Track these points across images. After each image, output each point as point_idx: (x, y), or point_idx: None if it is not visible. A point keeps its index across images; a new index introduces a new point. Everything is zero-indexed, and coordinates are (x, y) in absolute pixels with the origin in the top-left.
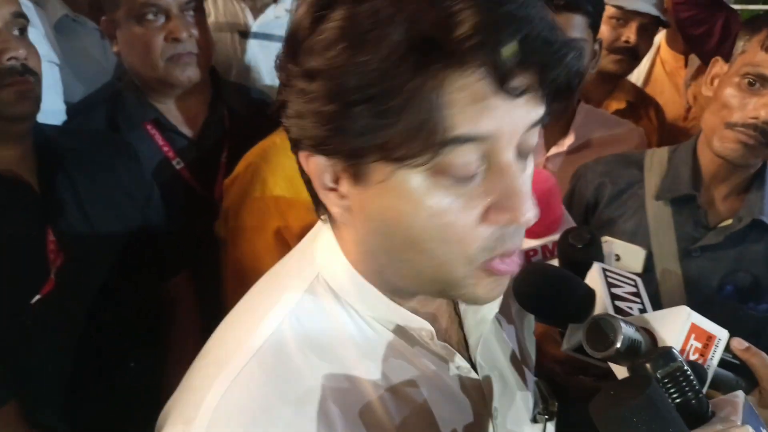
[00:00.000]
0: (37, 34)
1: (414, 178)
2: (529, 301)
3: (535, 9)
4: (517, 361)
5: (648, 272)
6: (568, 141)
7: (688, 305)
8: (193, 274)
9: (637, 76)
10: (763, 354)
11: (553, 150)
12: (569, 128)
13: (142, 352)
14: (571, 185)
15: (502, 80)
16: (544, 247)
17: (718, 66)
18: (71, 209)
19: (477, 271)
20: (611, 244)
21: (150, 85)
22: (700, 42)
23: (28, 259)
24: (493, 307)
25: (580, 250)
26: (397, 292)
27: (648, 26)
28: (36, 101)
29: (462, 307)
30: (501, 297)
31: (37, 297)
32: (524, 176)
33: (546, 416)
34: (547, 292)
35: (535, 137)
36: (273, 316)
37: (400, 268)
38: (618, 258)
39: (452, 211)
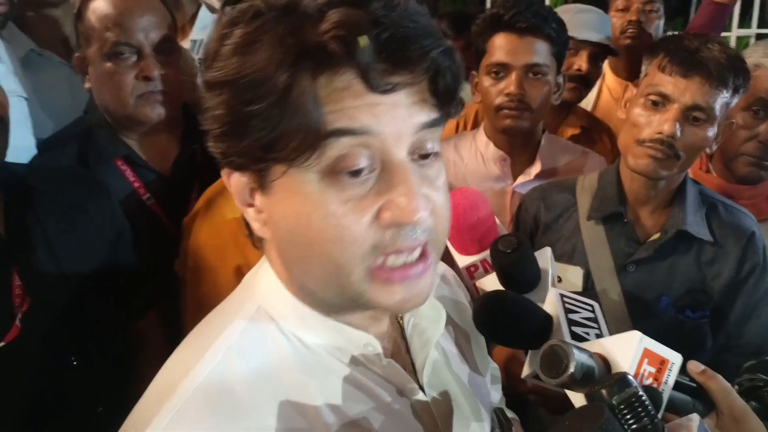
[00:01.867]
0: (5, 69)
1: (309, 180)
2: (488, 329)
3: (405, 12)
4: (469, 384)
5: (588, 290)
6: (535, 169)
7: (629, 319)
8: (162, 312)
9: (585, 104)
10: (719, 377)
11: (521, 179)
12: (535, 157)
13: (111, 395)
14: (515, 215)
15: (364, 75)
16: (483, 261)
17: (630, 91)
18: (39, 251)
19: (373, 275)
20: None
21: (120, 121)
22: None
23: None
24: (438, 328)
25: (509, 255)
26: (335, 310)
27: (598, 55)
28: (2, 147)
29: (408, 331)
30: (443, 320)
31: (1, 344)
32: (423, 177)
33: None
34: (505, 320)
35: (433, 141)
36: (215, 351)
37: (309, 278)
38: (559, 279)
39: (346, 213)
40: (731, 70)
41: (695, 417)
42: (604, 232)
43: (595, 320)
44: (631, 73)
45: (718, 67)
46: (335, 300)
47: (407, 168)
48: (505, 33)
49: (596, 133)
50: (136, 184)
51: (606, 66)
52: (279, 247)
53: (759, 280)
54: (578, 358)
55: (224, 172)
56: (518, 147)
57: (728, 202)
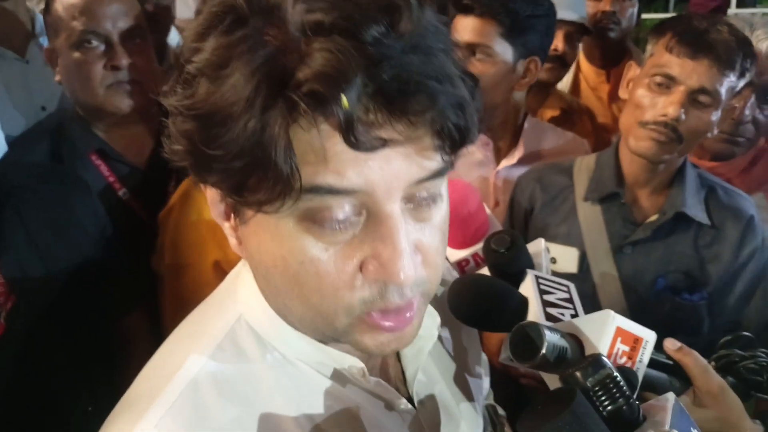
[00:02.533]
0: None
1: (284, 221)
2: (463, 313)
3: (415, 40)
4: (462, 388)
5: (583, 272)
6: (518, 154)
7: (625, 301)
8: (149, 311)
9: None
10: (696, 353)
11: (503, 163)
12: (518, 141)
13: (99, 393)
14: (510, 195)
15: (345, 133)
16: (474, 255)
17: (633, 70)
18: (22, 249)
19: (359, 323)
20: (547, 248)
21: (92, 113)
22: None
23: None
24: (431, 338)
25: (504, 254)
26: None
27: (573, 34)
28: None
29: None
30: (437, 328)
31: None
32: (418, 219)
33: None
34: (480, 303)
35: (435, 187)
36: (191, 364)
37: (288, 312)
38: (554, 261)
39: (325, 260)
40: (740, 53)
41: (671, 396)
42: (601, 213)
43: (570, 300)
44: (605, 62)
45: (727, 49)
46: (315, 335)
47: (396, 222)
48: (459, 14)
49: (576, 115)
50: (111, 179)
51: (581, 55)
52: (256, 275)
53: (757, 265)
54: (550, 338)
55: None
56: (500, 131)
57: (727, 186)
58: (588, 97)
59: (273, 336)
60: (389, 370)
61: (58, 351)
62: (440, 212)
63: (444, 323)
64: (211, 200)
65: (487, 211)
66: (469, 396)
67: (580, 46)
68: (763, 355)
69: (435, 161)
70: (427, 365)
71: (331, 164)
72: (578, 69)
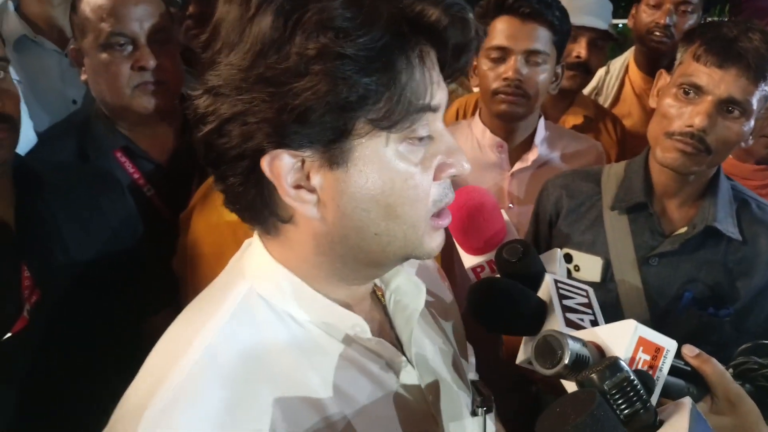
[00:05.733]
0: None
1: (389, 149)
2: (482, 316)
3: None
4: (450, 358)
5: (608, 282)
6: (532, 156)
7: (648, 313)
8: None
9: (605, 96)
10: (714, 360)
11: (518, 165)
12: (532, 144)
13: (121, 393)
14: (536, 200)
15: (455, 58)
16: (489, 262)
17: (663, 79)
18: (52, 245)
19: (428, 229)
20: (568, 256)
21: (117, 112)
22: None
23: None
24: (419, 302)
25: (516, 264)
26: (331, 287)
27: (597, 41)
28: (11, 147)
29: (390, 308)
30: (423, 294)
31: (7, 335)
32: None
33: (485, 408)
34: (499, 307)
35: None
36: (205, 335)
37: (370, 246)
38: (577, 268)
39: (417, 173)
40: None
41: (687, 401)
42: (628, 223)
43: (589, 305)
44: (654, 69)
45: (758, 58)
46: (371, 267)
47: (448, 133)
48: (508, 17)
49: (601, 122)
50: (136, 176)
51: (630, 59)
52: (334, 226)
53: None
54: (572, 348)
55: (266, 159)
56: (515, 133)
57: (761, 200)
58: (631, 104)
59: (285, 298)
60: (385, 336)
61: (79, 351)
62: None
63: (432, 313)
64: (282, 170)
65: (505, 217)
66: (457, 367)
67: (632, 50)
68: None
69: None
70: (417, 335)
71: (434, 87)
72: (626, 74)
